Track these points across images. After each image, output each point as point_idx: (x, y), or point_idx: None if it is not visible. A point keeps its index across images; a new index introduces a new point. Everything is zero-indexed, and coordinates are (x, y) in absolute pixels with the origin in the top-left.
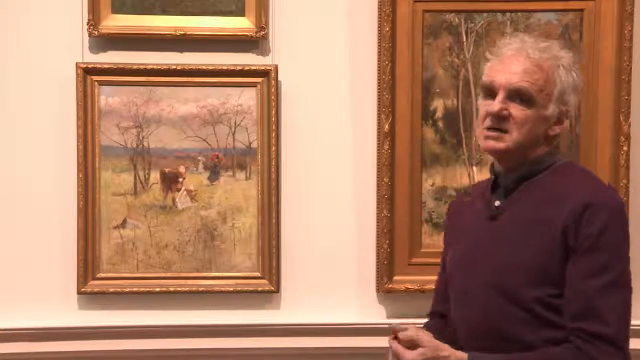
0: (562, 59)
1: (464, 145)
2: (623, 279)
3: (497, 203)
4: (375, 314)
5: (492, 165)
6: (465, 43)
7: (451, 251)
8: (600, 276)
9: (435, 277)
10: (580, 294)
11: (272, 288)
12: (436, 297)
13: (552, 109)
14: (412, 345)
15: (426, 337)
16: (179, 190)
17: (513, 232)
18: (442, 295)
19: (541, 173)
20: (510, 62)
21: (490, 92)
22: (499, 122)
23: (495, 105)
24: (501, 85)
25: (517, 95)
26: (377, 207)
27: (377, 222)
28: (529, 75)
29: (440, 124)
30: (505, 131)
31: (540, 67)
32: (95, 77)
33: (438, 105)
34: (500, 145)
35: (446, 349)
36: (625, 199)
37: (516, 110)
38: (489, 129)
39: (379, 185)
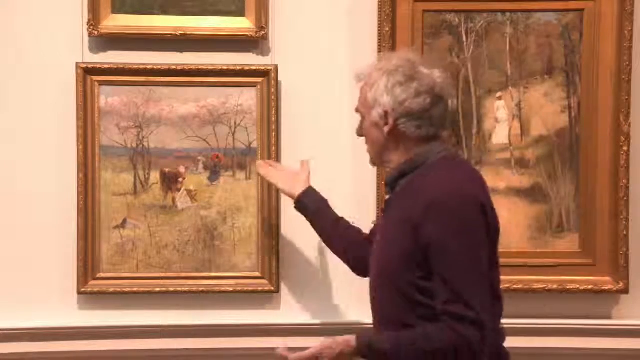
0: (382, 70)
1: (464, 145)
2: (476, 265)
3: (387, 197)
4: None
5: None
6: (465, 43)
7: None
8: (457, 267)
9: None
10: (444, 284)
11: (272, 288)
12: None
13: (374, 114)
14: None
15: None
16: (179, 190)
17: (388, 227)
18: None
19: (416, 171)
20: None
21: None
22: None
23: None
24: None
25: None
26: (377, 207)
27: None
28: (360, 94)
29: None
30: None
31: (364, 84)
32: (95, 77)
33: None
34: (370, 161)
35: (337, 337)
36: (625, 199)
37: (360, 128)
38: None
39: (379, 186)
